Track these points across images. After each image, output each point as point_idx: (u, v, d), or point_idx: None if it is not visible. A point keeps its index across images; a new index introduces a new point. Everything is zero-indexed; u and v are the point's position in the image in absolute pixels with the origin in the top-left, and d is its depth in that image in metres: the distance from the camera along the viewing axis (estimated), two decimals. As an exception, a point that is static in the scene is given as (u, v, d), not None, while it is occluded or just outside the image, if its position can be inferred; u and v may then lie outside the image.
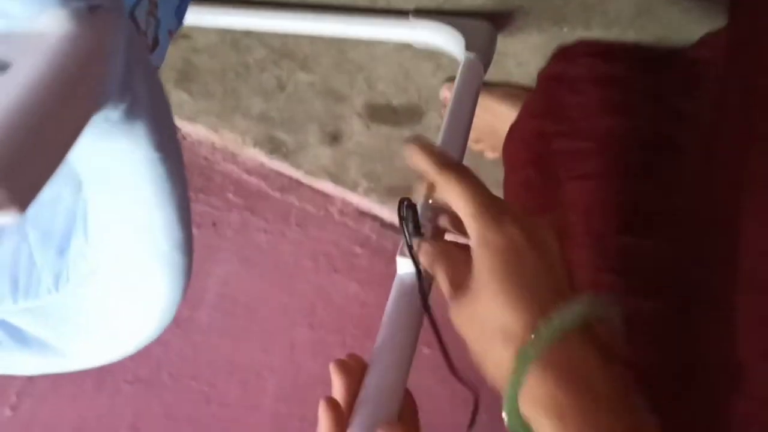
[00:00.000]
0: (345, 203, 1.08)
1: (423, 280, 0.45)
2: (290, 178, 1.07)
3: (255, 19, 0.88)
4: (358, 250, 1.04)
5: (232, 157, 1.09)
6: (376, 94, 0.94)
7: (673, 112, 0.62)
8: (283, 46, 0.94)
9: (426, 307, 0.46)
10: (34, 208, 0.24)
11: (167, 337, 0.97)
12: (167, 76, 1.01)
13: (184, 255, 0.35)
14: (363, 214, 1.08)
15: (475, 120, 0.71)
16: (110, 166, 0.30)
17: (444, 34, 0.81)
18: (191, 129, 1.09)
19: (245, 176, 1.08)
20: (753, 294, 0.45)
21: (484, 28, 0.81)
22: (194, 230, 0.43)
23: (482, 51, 0.79)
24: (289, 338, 0.96)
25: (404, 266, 0.47)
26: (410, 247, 0.46)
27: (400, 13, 0.82)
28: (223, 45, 0.95)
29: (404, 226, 0.46)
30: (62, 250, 0.40)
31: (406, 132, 0.96)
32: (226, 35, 0.95)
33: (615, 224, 0.57)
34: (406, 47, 0.87)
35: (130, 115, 0.29)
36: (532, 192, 0.65)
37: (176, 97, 1.03)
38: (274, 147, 1.05)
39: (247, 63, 0.97)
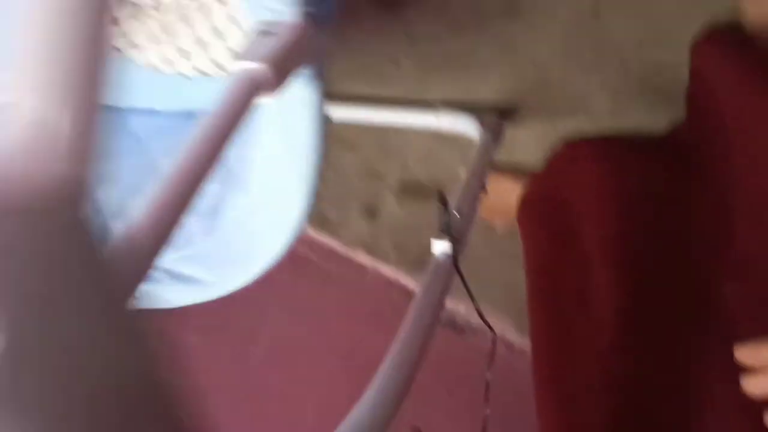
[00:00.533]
0: (377, 273, 1.26)
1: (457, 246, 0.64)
2: (331, 249, 1.27)
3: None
4: (386, 311, 1.21)
5: None
6: (409, 173, 1.16)
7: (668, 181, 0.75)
8: (334, 132, 1.17)
9: (458, 268, 0.64)
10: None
11: (225, 368, 1.13)
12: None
13: (316, 177, 0.53)
14: (391, 283, 1.26)
15: (487, 197, 0.89)
16: (292, 109, 0.50)
17: (464, 122, 1.04)
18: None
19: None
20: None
21: (496, 119, 1.05)
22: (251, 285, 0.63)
23: (494, 136, 1.02)
24: (326, 374, 1.12)
25: (438, 246, 0.66)
26: (447, 225, 0.65)
27: (430, 105, 1.06)
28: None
29: (445, 209, 0.66)
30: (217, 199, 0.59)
31: (433, 206, 1.16)
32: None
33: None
34: (435, 133, 1.10)
35: (320, 70, 0.49)
36: (551, 248, 0.78)
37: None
38: (321, 222, 1.25)
39: None
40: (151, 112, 0.72)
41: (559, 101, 1.02)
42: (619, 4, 0.91)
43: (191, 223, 0.64)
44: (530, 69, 1.00)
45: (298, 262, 1.26)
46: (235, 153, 0.62)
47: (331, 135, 1.16)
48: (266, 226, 0.55)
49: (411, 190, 1.18)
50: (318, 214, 1.26)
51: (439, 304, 0.62)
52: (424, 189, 1.17)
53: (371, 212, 1.22)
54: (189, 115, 0.71)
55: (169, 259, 0.63)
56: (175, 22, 0.63)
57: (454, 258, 0.63)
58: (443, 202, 0.67)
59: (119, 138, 0.69)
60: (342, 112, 1.10)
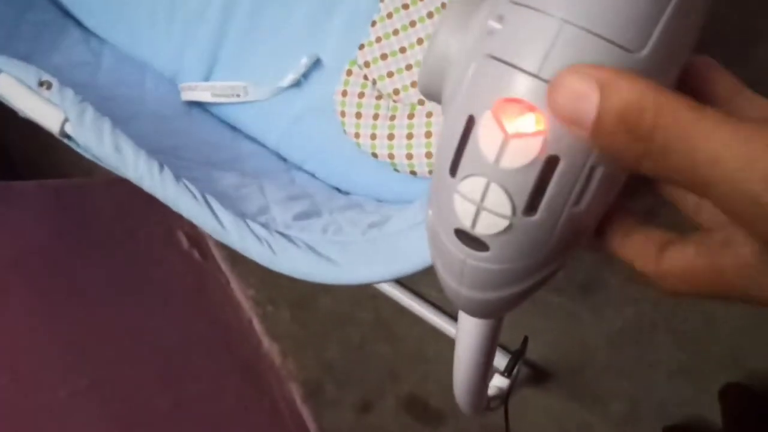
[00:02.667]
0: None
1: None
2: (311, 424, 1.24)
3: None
4: None
5: (274, 371, 1.28)
6: (422, 389, 1.20)
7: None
8: (383, 318, 1.25)
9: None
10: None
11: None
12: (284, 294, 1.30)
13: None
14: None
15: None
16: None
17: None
18: (268, 343, 1.31)
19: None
20: None
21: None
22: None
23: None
24: None
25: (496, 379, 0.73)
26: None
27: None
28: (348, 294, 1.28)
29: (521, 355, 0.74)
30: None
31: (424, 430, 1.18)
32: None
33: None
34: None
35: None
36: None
37: (279, 314, 1.30)
38: (315, 391, 1.25)
39: (351, 315, 1.27)
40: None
41: (586, 388, 1.12)
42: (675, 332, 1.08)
43: (352, 219, 0.73)
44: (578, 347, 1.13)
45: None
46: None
47: (381, 318, 1.21)
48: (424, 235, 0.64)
49: (414, 407, 1.21)
50: (317, 382, 1.27)
51: None
52: (427, 410, 1.20)
53: (366, 407, 1.23)
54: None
55: (315, 238, 0.70)
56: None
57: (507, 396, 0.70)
58: (523, 348, 0.76)
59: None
60: (401, 296, 1.20)
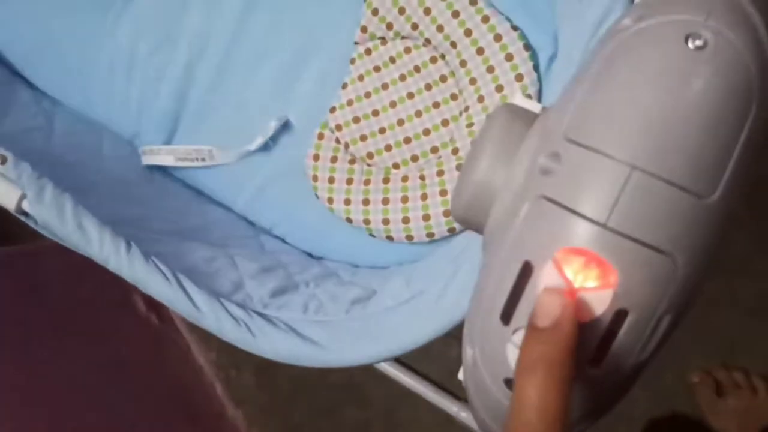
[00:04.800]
0: None
1: None
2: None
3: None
4: None
5: None
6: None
7: None
8: (354, 381, 1.20)
9: None
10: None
11: None
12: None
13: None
14: None
15: None
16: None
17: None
18: (232, 409, 1.25)
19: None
20: None
21: None
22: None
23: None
24: None
25: None
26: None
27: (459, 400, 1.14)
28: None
29: None
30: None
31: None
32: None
33: None
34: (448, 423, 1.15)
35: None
36: None
37: (243, 378, 1.24)
38: None
39: (319, 378, 1.22)
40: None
41: None
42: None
43: (332, 294, 0.70)
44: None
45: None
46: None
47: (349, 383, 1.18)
48: (413, 315, 0.62)
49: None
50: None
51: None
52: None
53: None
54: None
55: (296, 317, 0.67)
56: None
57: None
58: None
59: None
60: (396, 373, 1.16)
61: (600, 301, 0.22)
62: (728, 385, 0.98)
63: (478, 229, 0.27)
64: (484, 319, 0.25)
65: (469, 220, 0.27)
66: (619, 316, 0.22)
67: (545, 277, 0.23)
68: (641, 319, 0.22)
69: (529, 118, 0.26)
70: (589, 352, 0.23)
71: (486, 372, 0.26)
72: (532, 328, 0.22)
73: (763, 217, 1.03)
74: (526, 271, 0.23)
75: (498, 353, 0.25)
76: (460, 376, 0.30)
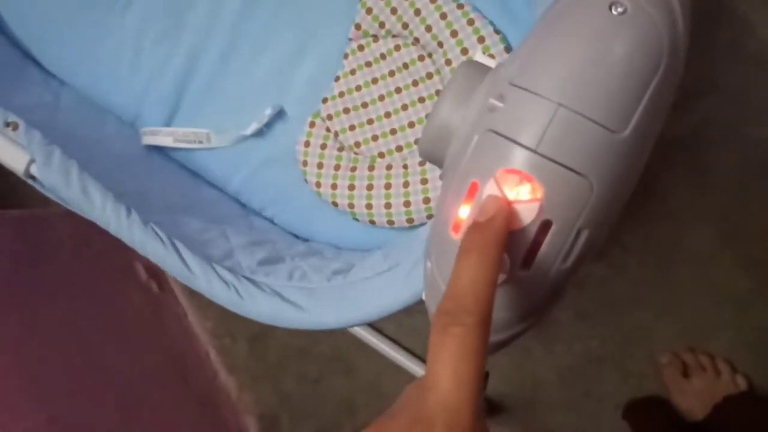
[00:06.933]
0: None
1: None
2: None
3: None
4: None
5: (230, 404, 1.27)
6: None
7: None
8: (341, 352, 1.25)
9: None
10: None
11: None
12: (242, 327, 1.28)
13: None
14: None
15: None
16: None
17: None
18: (225, 375, 1.29)
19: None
20: None
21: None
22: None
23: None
24: None
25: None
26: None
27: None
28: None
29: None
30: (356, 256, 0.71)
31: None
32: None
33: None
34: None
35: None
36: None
37: (237, 347, 1.29)
38: (271, 424, 1.24)
39: (309, 349, 1.26)
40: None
41: (538, 421, 1.16)
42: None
43: (315, 266, 0.75)
44: (530, 381, 1.16)
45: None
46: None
47: (337, 354, 1.21)
48: (388, 283, 0.67)
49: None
50: (273, 417, 1.27)
51: None
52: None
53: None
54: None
55: (281, 284, 0.72)
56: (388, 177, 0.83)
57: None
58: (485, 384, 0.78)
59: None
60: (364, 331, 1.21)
61: (529, 212, 0.28)
62: (695, 367, 1.04)
63: (440, 163, 0.33)
64: (440, 233, 0.30)
65: (433, 154, 0.33)
66: (545, 226, 0.28)
67: (488, 193, 0.28)
68: (562, 230, 0.28)
69: (485, 71, 0.32)
70: (520, 255, 0.28)
71: (440, 279, 0.31)
72: (473, 222, 0.27)
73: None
74: (472, 189, 0.29)
75: (449, 261, 0.30)
76: (424, 296, 0.36)
